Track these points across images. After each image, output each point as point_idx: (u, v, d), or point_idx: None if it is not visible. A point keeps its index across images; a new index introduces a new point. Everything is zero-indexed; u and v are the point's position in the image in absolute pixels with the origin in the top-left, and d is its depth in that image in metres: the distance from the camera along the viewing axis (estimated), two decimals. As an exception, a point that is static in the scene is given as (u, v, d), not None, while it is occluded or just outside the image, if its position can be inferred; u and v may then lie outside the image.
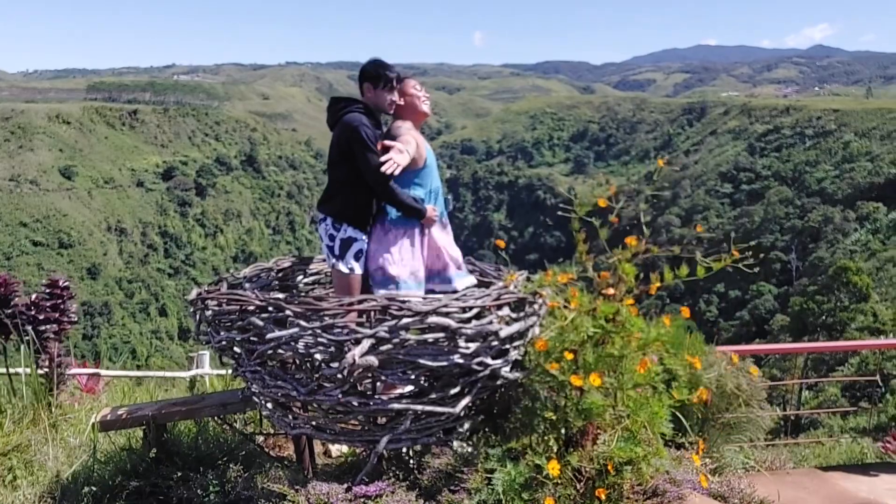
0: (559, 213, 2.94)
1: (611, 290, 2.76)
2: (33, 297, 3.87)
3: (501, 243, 3.43)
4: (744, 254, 2.73)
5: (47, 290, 3.90)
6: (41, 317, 3.80)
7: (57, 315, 3.85)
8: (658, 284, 2.73)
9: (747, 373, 4.28)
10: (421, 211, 3.76)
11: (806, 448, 6.62)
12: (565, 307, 2.82)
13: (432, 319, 2.86)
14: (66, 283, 3.96)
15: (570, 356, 2.65)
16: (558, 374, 2.66)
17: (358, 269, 3.75)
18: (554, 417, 2.77)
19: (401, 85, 3.88)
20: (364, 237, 3.78)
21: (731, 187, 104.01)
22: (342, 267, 3.74)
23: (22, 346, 3.86)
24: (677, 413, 3.16)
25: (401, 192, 3.72)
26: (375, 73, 3.79)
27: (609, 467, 2.57)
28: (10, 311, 3.75)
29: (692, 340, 3.91)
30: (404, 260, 3.73)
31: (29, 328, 3.80)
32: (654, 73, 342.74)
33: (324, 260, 4.47)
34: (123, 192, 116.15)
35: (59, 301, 3.88)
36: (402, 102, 3.89)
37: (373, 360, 2.80)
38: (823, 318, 35.45)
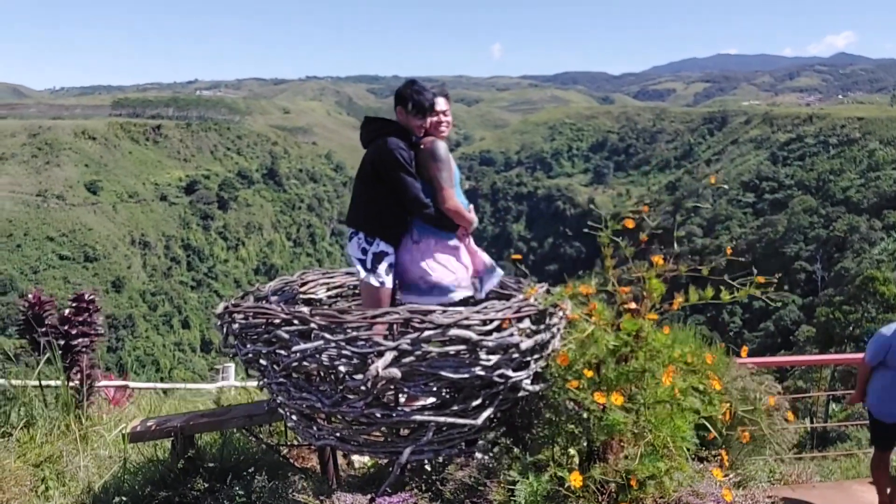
0: (585, 229, 2.96)
1: (632, 305, 2.78)
2: (65, 312, 3.96)
3: (518, 257, 3.46)
4: (768, 283, 2.74)
5: (74, 305, 3.99)
6: (73, 331, 3.88)
7: (86, 329, 3.94)
8: (680, 300, 2.74)
9: (770, 386, 4.25)
10: (453, 224, 3.84)
11: (833, 461, 6.53)
12: (586, 320, 2.83)
13: (454, 332, 2.89)
14: (92, 297, 4.04)
15: (589, 374, 2.66)
16: (579, 393, 2.67)
17: (389, 283, 3.83)
18: (576, 430, 2.78)
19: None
20: (393, 251, 3.86)
21: (753, 197, 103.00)
22: (373, 280, 3.80)
23: (55, 360, 3.95)
24: (706, 422, 3.16)
25: (461, 206, 3.85)
26: (411, 100, 3.83)
27: (632, 482, 2.57)
28: (43, 329, 3.84)
29: (715, 355, 3.89)
30: (445, 266, 3.79)
31: (60, 342, 3.89)
32: (673, 83, 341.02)
33: (347, 273, 4.53)
34: (147, 205, 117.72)
35: (87, 315, 3.96)
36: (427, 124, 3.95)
37: (395, 372, 2.83)
38: (850, 328, 34.88)
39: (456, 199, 3.83)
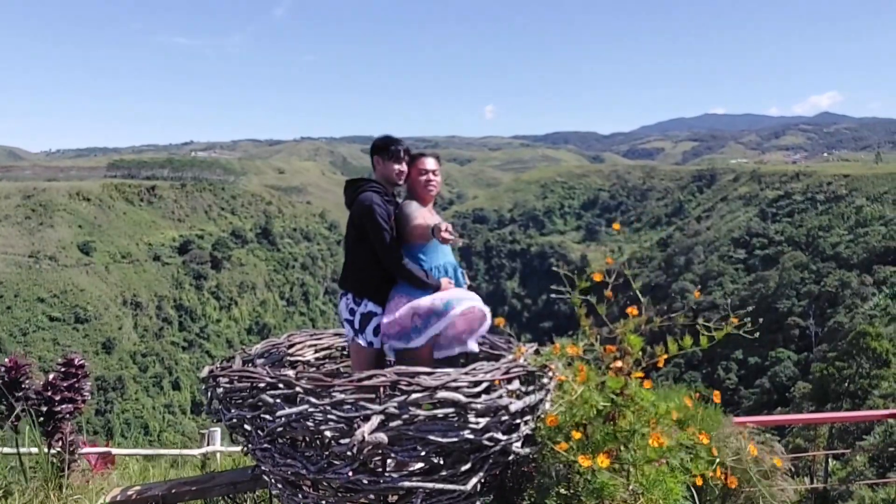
0: (557, 290, 2.97)
1: (618, 364, 2.76)
2: (50, 377, 3.89)
3: (501, 321, 3.45)
4: (743, 321, 2.75)
5: (62, 370, 3.92)
6: (57, 397, 3.80)
7: (71, 395, 3.86)
8: (665, 357, 2.73)
9: (767, 445, 4.19)
10: (433, 285, 3.80)
11: (834, 522, 6.40)
12: (574, 381, 2.81)
13: (442, 394, 2.85)
14: (82, 362, 3.98)
15: (577, 435, 2.62)
16: (567, 455, 2.63)
17: (377, 344, 3.82)
18: (567, 494, 2.72)
19: (416, 161, 3.98)
20: (382, 311, 3.84)
21: (744, 253, 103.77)
22: (361, 341, 3.79)
23: (31, 427, 3.86)
24: (698, 483, 3.10)
25: (413, 267, 3.78)
26: (382, 146, 3.95)
27: (624, 547, 2.51)
28: (20, 394, 3.76)
29: (707, 412, 3.85)
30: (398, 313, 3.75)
31: (43, 408, 3.80)
32: (662, 142, 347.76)
33: (336, 333, 4.51)
34: (140, 266, 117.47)
35: (75, 381, 3.89)
36: (416, 178, 3.98)
37: (382, 436, 2.78)
38: (846, 384, 34.61)
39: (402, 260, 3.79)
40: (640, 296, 2.84)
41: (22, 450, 3.90)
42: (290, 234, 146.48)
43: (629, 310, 2.79)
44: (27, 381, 3.76)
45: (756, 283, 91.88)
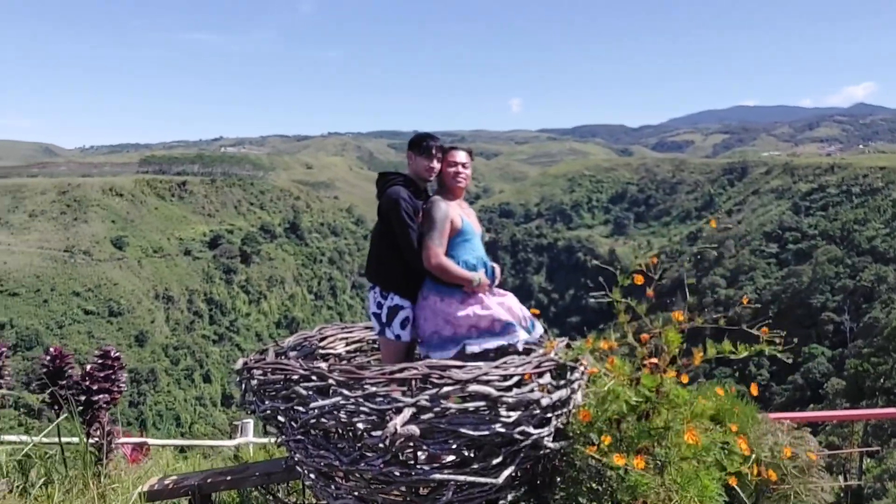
0: (600, 278, 2.95)
1: (653, 360, 2.73)
2: (88, 367, 3.98)
3: (535, 312, 3.44)
4: (785, 343, 2.71)
5: (99, 361, 4.01)
6: (95, 387, 3.90)
7: (108, 385, 3.95)
8: (701, 356, 2.69)
9: (803, 442, 4.12)
10: (463, 281, 3.75)
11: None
12: (606, 375, 2.79)
13: (473, 388, 2.85)
14: (118, 354, 4.08)
15: (607, 440, 2.59)
16: (598, 456, 2.60)
17: (404, 337, 3.82)
18: (599, 489, 2.71)
19: (447, 154, 3.96)
20: (410, 305, 3.84)
21: (776, 247, 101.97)
22: (389, 334, 3.80)
23: (74, 416, 3.95)
24: (735, 480, 3.06)
25: (449, 263, 3.76)
26: (416, 141, 3.96)
27: (658, 543, 2.49)
28: (63, 383, 3.86)
29: (743, 409, 3.79)
30: (455, 318, 3.69)
31: (81, 398, 3.90)
32: (692, 135, 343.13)
33: (366, 327, 4.53)
34: (171, 260, 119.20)
35: (111, 371, 3.98)
36: (446, 170, 3.96)
37: (414, 429, 2.79)
38: (881, 381, 33.92)
39: (440, 257, 3.71)
40: (689, 295, 2.81)
41: (63, 439, 3.99)
42: (318, 228, 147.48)
43: (674, 314, 2.75)
44: (70, 371, 3.87)
45: (789, 277, 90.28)
